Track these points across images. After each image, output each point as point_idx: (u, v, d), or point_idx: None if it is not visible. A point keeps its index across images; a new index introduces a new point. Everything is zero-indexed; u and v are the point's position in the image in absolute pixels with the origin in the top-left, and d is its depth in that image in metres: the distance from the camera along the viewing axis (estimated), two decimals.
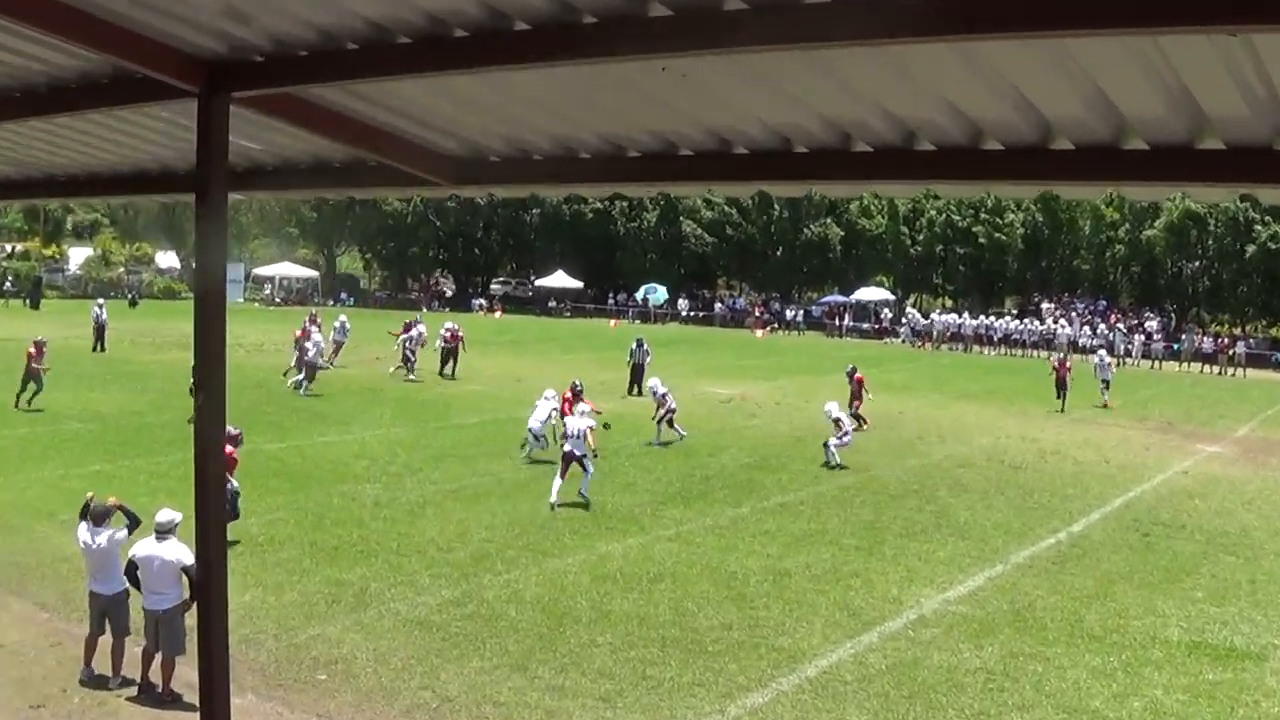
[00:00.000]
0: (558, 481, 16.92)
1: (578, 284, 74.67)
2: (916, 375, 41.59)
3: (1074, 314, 61.72)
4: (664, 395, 22.93)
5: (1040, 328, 58.20)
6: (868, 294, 67.82)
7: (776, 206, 70.16)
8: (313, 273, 77.30)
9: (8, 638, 10.71)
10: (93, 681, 9.79)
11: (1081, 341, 55.42)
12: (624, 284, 74.10)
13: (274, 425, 22.72)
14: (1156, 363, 53.05)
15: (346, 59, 4.52)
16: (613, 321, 66.45)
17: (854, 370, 27.27)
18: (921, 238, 69.62)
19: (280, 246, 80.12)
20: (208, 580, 5.43)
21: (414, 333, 33.03)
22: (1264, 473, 22.54)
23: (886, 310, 66.64)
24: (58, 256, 76.64)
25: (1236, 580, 14.30)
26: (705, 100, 4.74)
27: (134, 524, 10.10)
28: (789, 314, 67.31)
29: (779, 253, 72.38)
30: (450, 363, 33.42)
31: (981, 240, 66.57)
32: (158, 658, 9.60)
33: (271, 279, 74.57)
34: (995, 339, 58.12)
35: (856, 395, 26.61)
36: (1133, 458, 23.91)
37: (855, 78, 4.23)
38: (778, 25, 3.56)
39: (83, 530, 9.99)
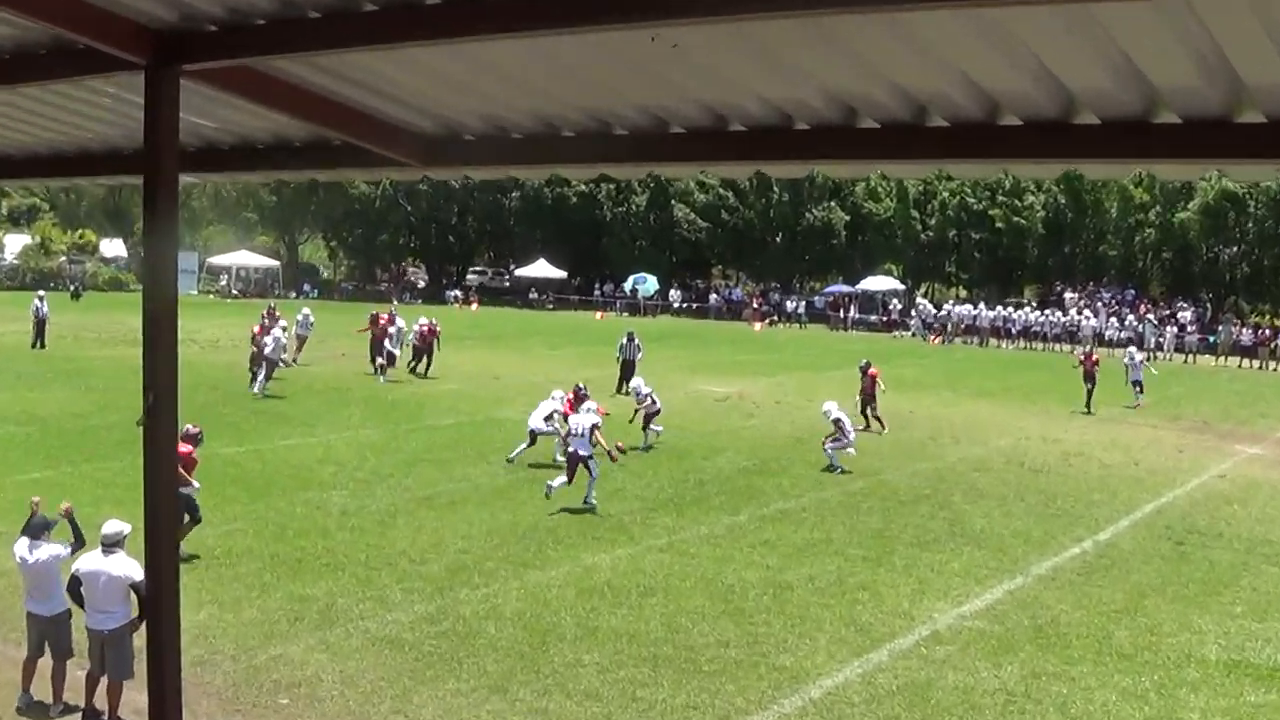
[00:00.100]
0: (561, 480, 17.28)
1: (561, 274, 74.69)
2: (928, 371, 41.69)
3: (1100, 304, 61.76)
4: (648, 395, 22.86)
5: (1063, 319, 58.31)
6: (875, 283, 67.92)
7: (776, 189, 70.26)
8: (273, 262, 77.12)
9: None
10: (31, 709, 9.74)
11: (1108, 334, 55.63)
12: (611, 273, 74.16)
13: (231, 427, 22.66)
14: (1190, 357, 53.16)
15: (308, 28, 4.51)
16: (599, 314, 66.46)
17: (868, 365, 27.00)
18: (933, 222, 69.79)
19: (237, 234, 79.89)
20: (158, 597, 5.42)
21: (393, 330, 32.90)
22: None
23: (895, 301, 66.73)
24: None
25: None
26: (698, 73, 4.74)
27: (79, 543, 10.01)
28: (789, 305, 67.44)
29: (779, 239, 72.49)
30: (425, 360, 33.38)
31: (999, 224, 66.75)
32: (103, 682, 9.56)
33: (228, 269, 74.39)
34: (1014, 332, 58.28)
35: (871, 394, 26.44)
36: (1165, 460, 23.98)
37: (861, 47, 4.23)
38: None
39: (20, 545, 9.93)
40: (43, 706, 9.74)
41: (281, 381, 29.20)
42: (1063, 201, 66.53)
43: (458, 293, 73.76)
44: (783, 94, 4.86)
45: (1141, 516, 18.50)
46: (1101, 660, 11.66)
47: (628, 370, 30.52)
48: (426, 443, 22.66)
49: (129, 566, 9.29)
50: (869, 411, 26.23)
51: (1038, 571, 14.98)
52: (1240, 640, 12.43)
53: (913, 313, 63.77)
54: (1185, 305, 60.64)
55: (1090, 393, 30.97)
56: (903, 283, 70.40)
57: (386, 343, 32.31)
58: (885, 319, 64.81)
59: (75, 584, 9.59)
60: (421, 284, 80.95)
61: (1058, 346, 54.88)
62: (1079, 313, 59.26)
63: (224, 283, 73.51)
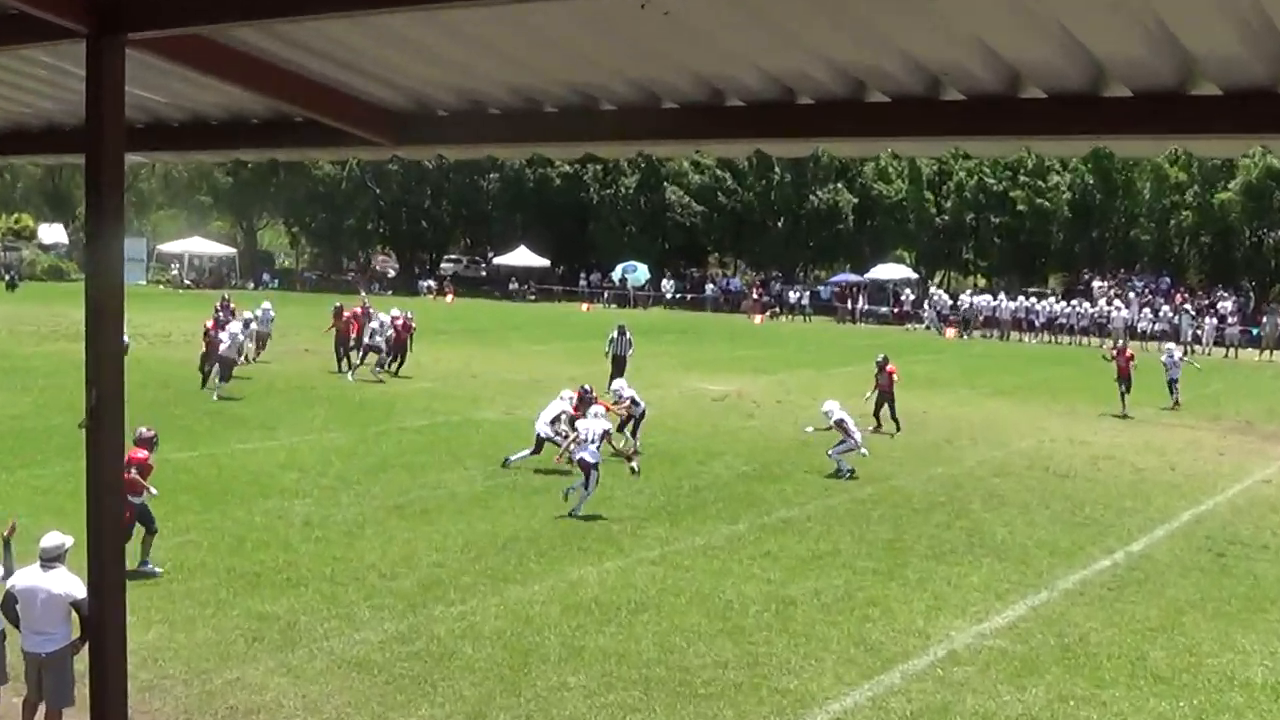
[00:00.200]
0: (585, 493, 17.51)
1: (543, 262, 74.70)
2: (943, 367, 41.75)
3: (1132, 294, 61.60)
4: (628, 399, 22.76)
5: (1091, 310, 58.31)
6: (885, 272, 68.08)
7: (777, 169, 70.33)
8: (229, 250, 77.07)
9: None
10: None
11: (1141, 327, 55.65)
12: (598, 262, 74.21)
13: (184, 430, 22.61)
14: (1231, 350, 53.17)
15: None
16: (585, 306, 66.49)
17: (885, 361, 26.84)
18: (949, 205, 69.94)
19: (189, 219, 79.85)
20: (102, 616, 5.41)
21: (376, 323, 32.78)
22: None
23: (908, 291, 66.88)
24: None
25: None
26: (693, 42, 4.73)
27: (6, 574, 9.89)
28: (792, 296, 67.54)
29: (780, 224, 72.55)
30: (397, 357, 33.32)
31: (1020, 207, 66.89)
32: (41, 709, 9.54)
33: (179, 257, 74.30)
34: (1037, 324, 58.46)
35: (889, 392, 26.38)
36: (1204, 464, 24.02)
37: (869, 13, 4.23)
38: None
39: None
40: None
41: (240, 380, 29.12)
42: (1090, 182, 66.68)
43: (431, 283, 73.73)
44: (784, 65, 4.86)
45: (1178, 526, 18.52)
46: (1135, 683, 11.68)
47: (619, 366, 30.51)
48: (397, 446, 22.64)
49: (70, 583, 9.25)
50: (883, 412, 26.19)
51: (1064, 586, 15.00)
52: None
53: (926, 304, 63.68)
54: (1226, 294, 60.32)
55: (1125, 396, 30.71)
56: (916, 271, 70.57)
57: (369, 337, 32.20)
58: (896, 310, 64.92)
59: (10, 602, 9.54)
60: (391, 273, 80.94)
61: (1085, 340, 54.87)
62: (1108, 303, 59.08)
63: (175, 272, 73.40)
